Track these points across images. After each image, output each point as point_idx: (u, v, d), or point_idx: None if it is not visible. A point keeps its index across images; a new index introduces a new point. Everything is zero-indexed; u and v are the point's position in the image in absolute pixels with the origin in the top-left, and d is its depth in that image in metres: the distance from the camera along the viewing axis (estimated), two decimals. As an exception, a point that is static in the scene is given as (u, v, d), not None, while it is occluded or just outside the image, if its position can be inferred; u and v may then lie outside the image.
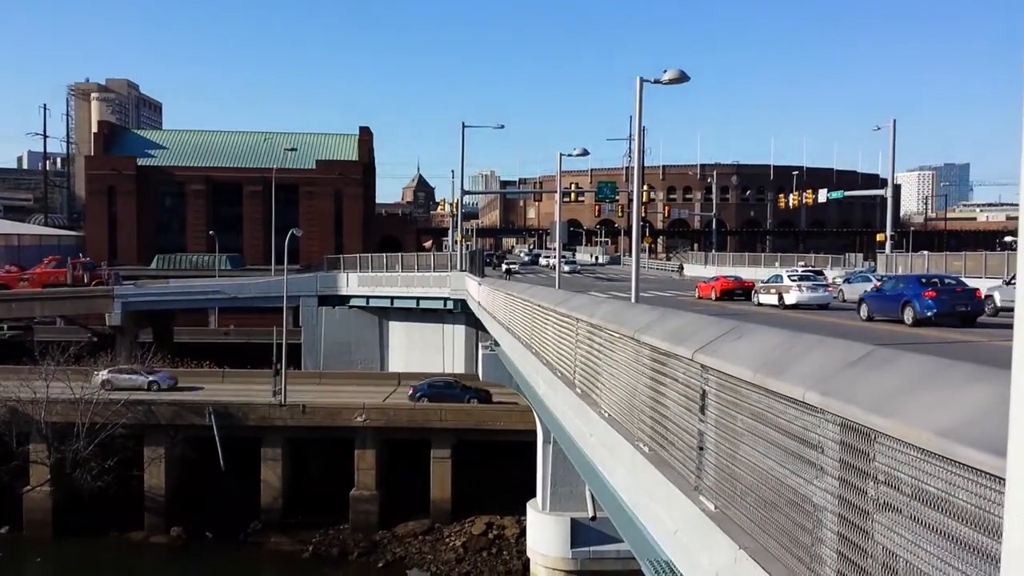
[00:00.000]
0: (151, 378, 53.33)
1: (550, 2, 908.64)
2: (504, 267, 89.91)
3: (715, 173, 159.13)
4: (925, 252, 73.22)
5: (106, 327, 73.51)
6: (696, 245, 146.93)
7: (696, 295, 51.24)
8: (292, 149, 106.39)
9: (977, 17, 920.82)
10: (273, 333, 57.23)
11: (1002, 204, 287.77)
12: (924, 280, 32.87)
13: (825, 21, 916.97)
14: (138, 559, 45.24)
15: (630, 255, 36.38)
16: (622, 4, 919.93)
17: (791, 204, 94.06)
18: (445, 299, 64.84)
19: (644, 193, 51.55)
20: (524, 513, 40.28)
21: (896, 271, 52.44)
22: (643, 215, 42.50)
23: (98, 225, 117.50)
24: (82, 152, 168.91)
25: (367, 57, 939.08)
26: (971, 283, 40.02)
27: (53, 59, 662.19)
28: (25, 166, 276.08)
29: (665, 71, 31.78)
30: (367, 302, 72.97)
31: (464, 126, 68.12)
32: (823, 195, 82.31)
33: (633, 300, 31.78)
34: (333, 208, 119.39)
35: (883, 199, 70.34)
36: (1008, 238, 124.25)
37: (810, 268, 64.50)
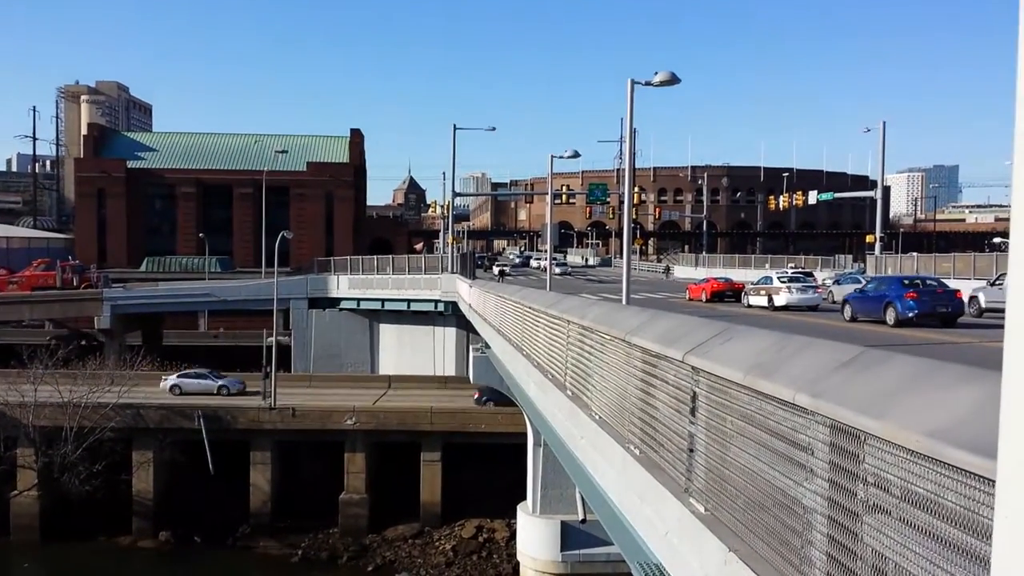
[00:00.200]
0: (221, 382, 53.22)
1: (541, 4, 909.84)
2: (496, 269, 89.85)
3: (705, 175, 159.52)
4: (914, 253, 73.49)
5: (95, 330, 73.20)
6: (687, 247, 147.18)
7: (687, 297, 51.34)
8: (283, 151, 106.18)
9: (968, 19, 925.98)
10: (263, 336, 57.08)
11: (991, 206, 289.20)
12: (906, 282, 33.31)
13: (815, 23, 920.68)
14: (126, 564, 45.03)
15: (621, 257, 36.41)
16: (613, 6, 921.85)
17: (781, 206, 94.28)
18: (436, 301, 64.78)
19: (635, 195, 51.60)
20: (514, 516, 40.24)
21: (886, 272, 52.60)
22: (634, 217, 42.52)
23: (87, 228, 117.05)
24: (71, 154, 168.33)
25: (358, 59, 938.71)
26: (960, 284, 40.26)
27: (43, 61, 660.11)
28: (14, 168, 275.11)
29: (656, 73, 31.84)
30: (358, 304, 72.84)
31: (455, 128, 68.11)
32: (813, 197, 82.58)
33: (624, 302, 31.80)
34: (324, 210, 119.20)
35: (873, 201, 70.64)
36: (997, 239, 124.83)
37: (800, 270, 64.67)
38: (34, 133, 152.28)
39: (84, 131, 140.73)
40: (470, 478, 46.94)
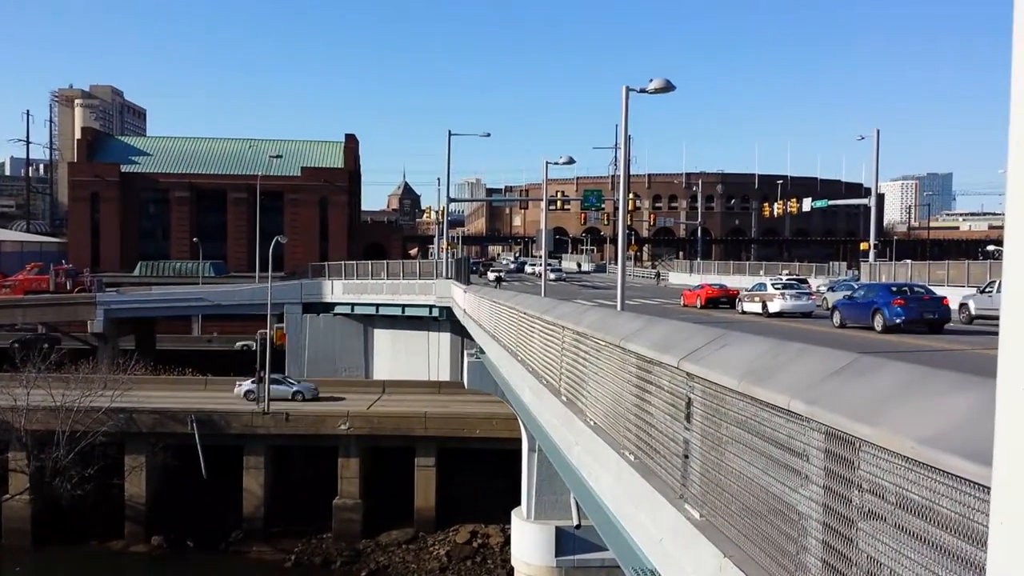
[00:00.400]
0: (296, 388, 53.11)
1: (537, 11, 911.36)
2: (491, 275, 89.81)
3: (700, 182, 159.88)
4: (908, 261, 73.64)
5: (88, 334, 73.04)
6: (681, 253, 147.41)
7: (681, 303, 51.42)
8: (277, 156, 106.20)
9: (963, 27, 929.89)
10: (256, 340, 56.98)
11: (985, 213, 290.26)
12: (894, 289, 33.92)
13: (810, 31, 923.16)
14: (118, 568, 44.88)
15: (616, 263, 36.48)
16: (608, 13, 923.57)
17: (776, 213, 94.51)
18: (431, 307, 64.73)
19: (630, 202, 51.64)
20: (508, 521, 40.18)
21: (880, 279, 52.74)
22: (629, 223, 42.57)
23: (81, 232, 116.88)
24: (65, 158, 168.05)
25: (353, 65, 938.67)
26: (954, 292, 40.45)
27: (36, 65, 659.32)
28: (8, 172, 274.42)
29: (651, 80, 31.91)
30: (352, 309, 72.78)
31: (450, 134, 68.16)
32: (807, 204, 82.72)
33: (619, 308, 31.83)
34: (318, 215, 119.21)
35: (867, 208, 70.80)
36: (991, 247, 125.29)
37: (794, 276, 64.81)
38: (28, 137, 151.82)
39: (78, 135, 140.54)
40: (464, 483, 46.90)
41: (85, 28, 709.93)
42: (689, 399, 8.83)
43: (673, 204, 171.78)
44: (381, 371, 70.18)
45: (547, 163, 53.59)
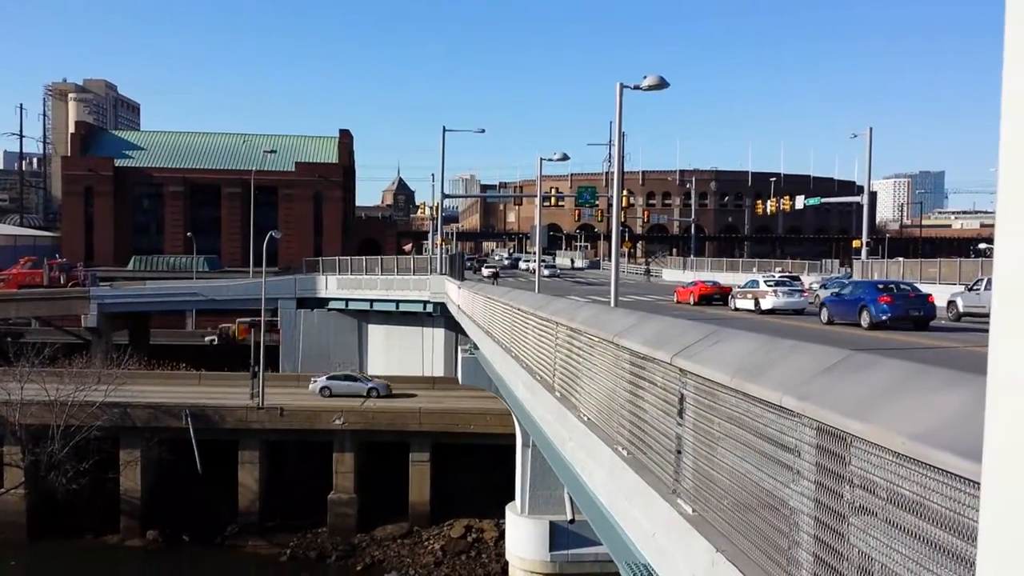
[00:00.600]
0: (370, 384, 53.04)
1: (531, 7, 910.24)
2: (485, 271, 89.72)
3: (694, 179, 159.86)
4: (900, 259, 73.85)
5: (82, 328, 72.89)
6: (675, 250, 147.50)
7: (675, 299, 51.53)
8: (271, 151, 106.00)
9: (956, 26, 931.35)
10: (251, 335, 56.92)
11: (976, 212, 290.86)
12: (880, 286, 34.43)
13: (804, 29, 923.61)
14: (113, 563, 44.86)
15: (610, 260, 36.51)
16: (602, 9, 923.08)
17: (769, 210, 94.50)
18: (425, 302, 64.74)
19: (623, 198, 51.69)
20: (503, 516, 40.27)
21: (872, 277, 52.87)
22: (622, 220, 42.61)
23: (74, 226, 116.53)
24: (59, 153, 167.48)
25: (348, 60, 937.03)
26: (946, 289, 40.64)
27: (30, 59, 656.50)
28: (1, 166, 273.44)
29: (645, 77, 31.94)
30: (346, 305, 72.73)
31: (445, 130, 68.07)
32: (800, 201, 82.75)
33: (612, 304, 31.88)
34: (312, 210, 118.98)
35: (859, 206, 70.90)
36: (982, 245, 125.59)
37: (787, 274, 64.97)
38: (21, 131, 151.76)
39: (72, 129, 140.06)
40: (459, 478, 46.96)
41: (79, 22, 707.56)
42: (682, 395, 8.87)
43: (667, 201, 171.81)
44: (375, 367, 70.16)
45: (541, 159, 53.63)
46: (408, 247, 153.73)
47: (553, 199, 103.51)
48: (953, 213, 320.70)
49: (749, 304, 42.84)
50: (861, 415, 5.34)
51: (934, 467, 4.48)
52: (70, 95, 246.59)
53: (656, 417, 9.85)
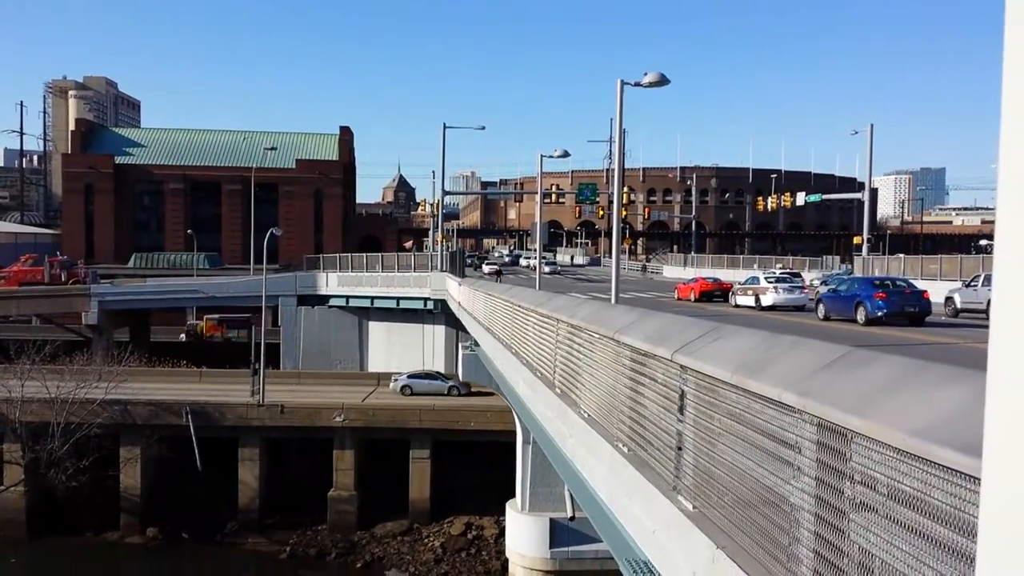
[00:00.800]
0: (450, 383, 53.04)
1: (533, 5, 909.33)
2: (486, 268, 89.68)
3: (695, 175, 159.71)
4: (901, 255, 73.86)
5: (83, 326, 72.91)
6: (675, 247, 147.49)
7: (676, 296, 51.54)
8: (272, 148, 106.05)
9: (956, 23, 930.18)
10: (251, 333, 56.92)
11: (977, 208, 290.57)
12: (876, 282, 34.92)
13: (804, 26, 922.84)
14: (113, 560, 44.88)
15: (610, 256, 36.54)
16: (603, 7, 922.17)
17: (770, 207, 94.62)
18: (425, 299, 64.74)
19: (624, 195, 51.67)
20: (503, 513, 40.29)
21: (873, 273, 52.89)
22: (623, 217, 42.59)
23: (75, 223, 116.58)
24: (59, 150, 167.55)
25: (348, 57, 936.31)
26: (947, 286, 40.70)
27: (31, 56, 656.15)
28: (1, 164, 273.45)
29: (645, 74, 31.91)
30: (347, 302, 72.73)
31: (445, 127, 68.05)
32: (801, 198, 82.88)
33: (613, 301, 31.88)
34: (313, 208, 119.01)
35: (860, 202, 70.91)
36: (983, 242, 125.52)
37: (788, 270, 64.95)
38: (21, 128, 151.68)
39: (72, 126, 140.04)
40: (459, 476, 46.96)
41: (80, 19, 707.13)
42: (683, 391, 8.87)
43: (667, 198, 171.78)
44: (376, 363, 70.18)
45: (542, 156, 53.60)
46: (409, 244, 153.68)
47: (554, 196, 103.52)
48: (954, 209, 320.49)
49: (750, 301, 42.86)
50: (861, 411, 5.34)
51: (934, 463, 4.49)
52: (70, 92, 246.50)
53: (657, 414, 9.85)
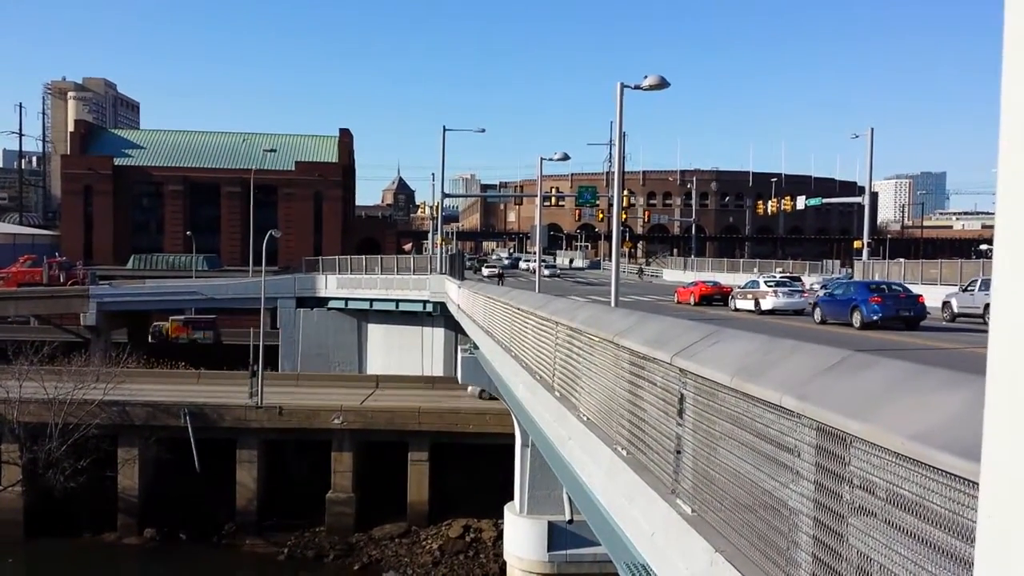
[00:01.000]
0: None
1: (531, 6, 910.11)
2: (486, 271, 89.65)
3: (695, 179, 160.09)
4: (902, 259, 73.82)
5: (81, 327, 72.88)
6: (675, 250, 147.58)
7: (675, 300, 51.56)
8: (271, 150, 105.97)
9: (956, 26, 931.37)
10: (250, 335, 56.89)
11: (978, 213, 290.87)
12: (872, 287, 35.25)
13: (804, 30, 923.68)
14: (111, 561, 44.81)
15: (610, 260, 36.53)
16: (603, 9, 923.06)
17: (770, 210, 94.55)
18: (424, 302, 64.73)
19: (624, 198, 51.67)
20: (501, 516, 40.22)
21: (874, 278, 52.91)
22: (623, 220, 42.62)
23: (74, 224, 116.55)
24: (58, 151, 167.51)
25: (348, 60, 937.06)
26: (947, 291, 40.78)
27: (29, 57, 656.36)
28: (0, 165, 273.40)
29: (646, 77, 31.93)
30: (346, 304, 72.72)
31: (445, 129, 68.08)
32: (801, 202, 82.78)
33: (612, 304, 31.88)
34: (312, 210, 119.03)
35: (860, 207, 70.93)
36: (984, 246, 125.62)
37: (788, 274, 64.99)
38: (20, 129, 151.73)
39: (71, 128, 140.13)
40: (457, 478, 46.92)
41: (78, 21, 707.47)
42: (682, 395, 8.87)
43: (668, 201, 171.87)
44: (375, 366, 70.17)
45: (541, 159, 53.63)
46: (408, 247, 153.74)
47: (554, 199, 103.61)
48: (954, 214, 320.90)
49: (749, 304, 42.89)
50: (861, 415, 5.34)
51: (933, 467, 4.49)
52: (69, 94, 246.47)
53: (656, 417, 9.85)
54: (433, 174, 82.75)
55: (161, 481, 47.71)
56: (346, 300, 72.50)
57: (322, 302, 74.28)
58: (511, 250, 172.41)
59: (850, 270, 71.80)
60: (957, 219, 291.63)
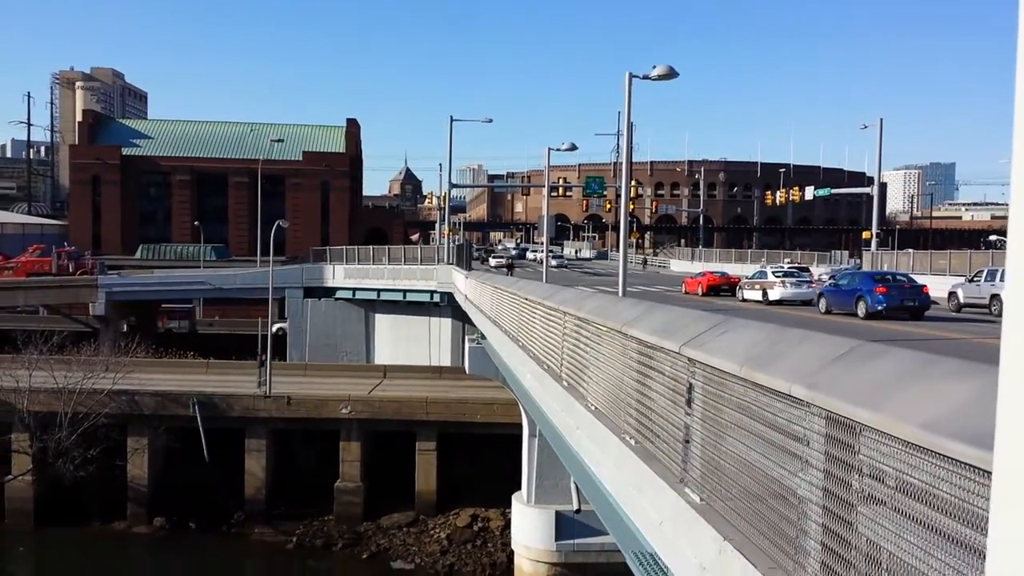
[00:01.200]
0: None
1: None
2: (493, 261, 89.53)
3: (703, 169, 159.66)
4: (910, 250, 73.64)
5: (90, 317, 73.15)
6: (683, 241, 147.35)
7: (683, 290, 51.52)
8: (279, 140, 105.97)
9: (967, 17, 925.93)
10: (258, 324, 57.04)
11: (987, 204, 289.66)
12: (876, 277, 35.55)
13: (814, 20, 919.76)
14: (120, 549, 45.07)
15: (617, 250, 36.54)
16: (613, 1, 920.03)
17: (778, 201, 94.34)
18: (432, 292, 64.76)
19: (632, 189, 51.60)
20: (509, 506, 40.33)
21: (883, 268, 52.81)
22: (631, 211, 42.56)
23: (82, 214, 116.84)
24: (66, 141, 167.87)
25: (355, 50, 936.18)
26: (955, 281, 40.73)
27: (37, 47, 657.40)
28: (9, 155, 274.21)
29: (654, 67, 31.86)
30: (353, 294, 72.81)
31: (452, 120, 68.03)
32: (810, 192, 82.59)
33: (620, 294, 31.88)
34: (319, 200, 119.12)
35: (869, 197, 70.71)
36: (993, 237, 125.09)
37: (796, 265, 64.84)
38: (28, 119, 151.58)
39: (79, 118, 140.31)
40: (465, 468, 47.03)
41: (86, 11, 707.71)
42: (690, 384, 8.89)
43: (675, 192, 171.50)
44: (382, 356, 70.29)
45: (549, 149, 53.57)
46: (415, 237, 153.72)
47: (561, 189, 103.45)
48: (964, 205, 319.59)
49: (757, 295, 42.87)
50: (871, 404, 5.35)
51: (944, 456, 4.50)
52: (77, 83, 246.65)
53: (664, 406, 9.87)
54: (440, 164, 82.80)
55: (170, 470, 47.94)
56: (354, 290, 72.59)
57: (330, 292, 74.38)
58: (518, 240, 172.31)
59: (859, 261, 71.59)
60: (966, 210, 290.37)
